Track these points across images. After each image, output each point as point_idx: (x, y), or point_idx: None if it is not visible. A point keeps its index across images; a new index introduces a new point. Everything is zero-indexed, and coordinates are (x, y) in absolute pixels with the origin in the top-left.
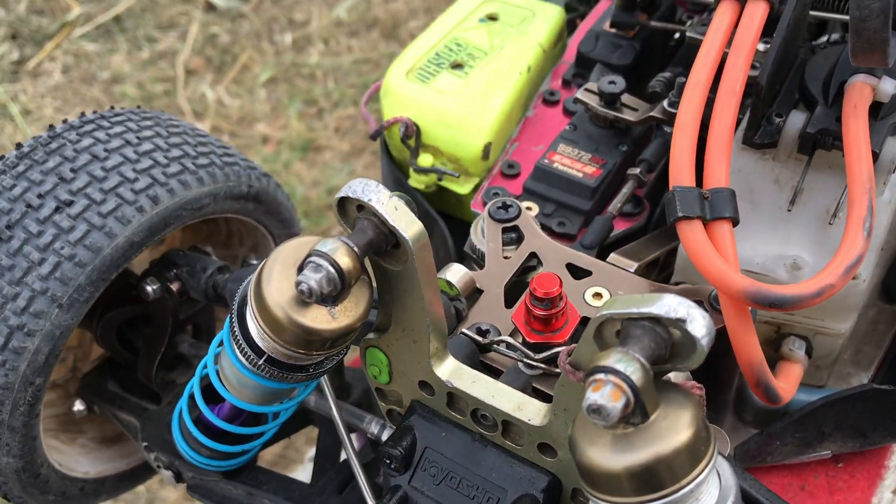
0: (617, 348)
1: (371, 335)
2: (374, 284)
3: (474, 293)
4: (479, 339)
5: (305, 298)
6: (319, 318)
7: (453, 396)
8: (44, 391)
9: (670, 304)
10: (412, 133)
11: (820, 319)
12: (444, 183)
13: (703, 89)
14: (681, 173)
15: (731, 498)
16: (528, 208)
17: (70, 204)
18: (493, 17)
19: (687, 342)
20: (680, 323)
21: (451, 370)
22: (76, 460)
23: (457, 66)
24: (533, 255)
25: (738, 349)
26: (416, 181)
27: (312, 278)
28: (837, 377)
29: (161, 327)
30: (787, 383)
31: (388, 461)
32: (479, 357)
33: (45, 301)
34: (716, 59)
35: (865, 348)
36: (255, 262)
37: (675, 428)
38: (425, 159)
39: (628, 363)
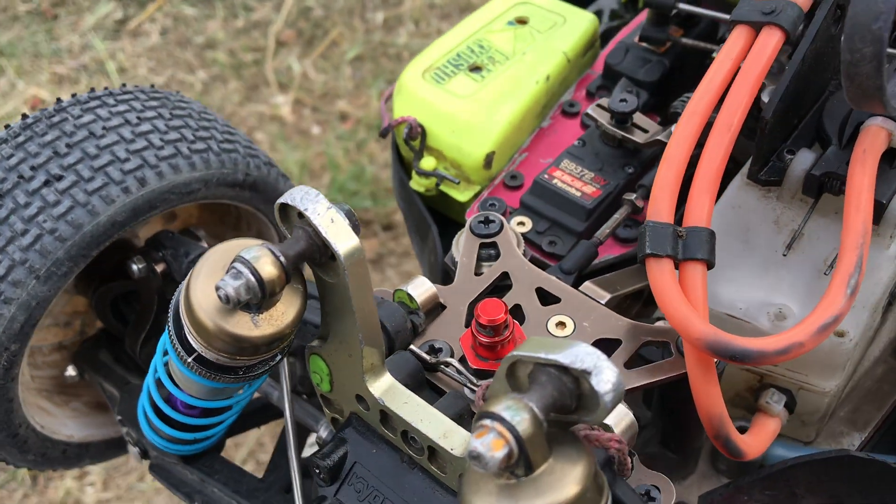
0: (512, 394)
1: (315, 342)
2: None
3: (437, 308)
4: (427, 357)
5: (224, 304)
6: (241, 325)
7: (386, 414)
8: (20, 357)
9: (577, 354)
10: (416, 135)
11: (803, 374)
12: (443, 188)
13: (700, 119)
14: (659, 207)
15: None
16: (521, 223)
17: (59, 179)
18: (522, 21)
19: (593, 395)
20: (585, 374)
21: (385, 388)
22: (63, 423)
23: (475, 69)
24: (505, 274)
25: (698, 399)
26: (417, 184)
27: (231, 285)
28: (829, 435)
29: (147, 305)
30: (758, 438)
31: (317, 471)
32: (423, 375)
33: (24, 271)
34: (719, 89)
35: (865, 408)
36: None
37: (559, 485)
38: (428, 162)
39: (517, 412)
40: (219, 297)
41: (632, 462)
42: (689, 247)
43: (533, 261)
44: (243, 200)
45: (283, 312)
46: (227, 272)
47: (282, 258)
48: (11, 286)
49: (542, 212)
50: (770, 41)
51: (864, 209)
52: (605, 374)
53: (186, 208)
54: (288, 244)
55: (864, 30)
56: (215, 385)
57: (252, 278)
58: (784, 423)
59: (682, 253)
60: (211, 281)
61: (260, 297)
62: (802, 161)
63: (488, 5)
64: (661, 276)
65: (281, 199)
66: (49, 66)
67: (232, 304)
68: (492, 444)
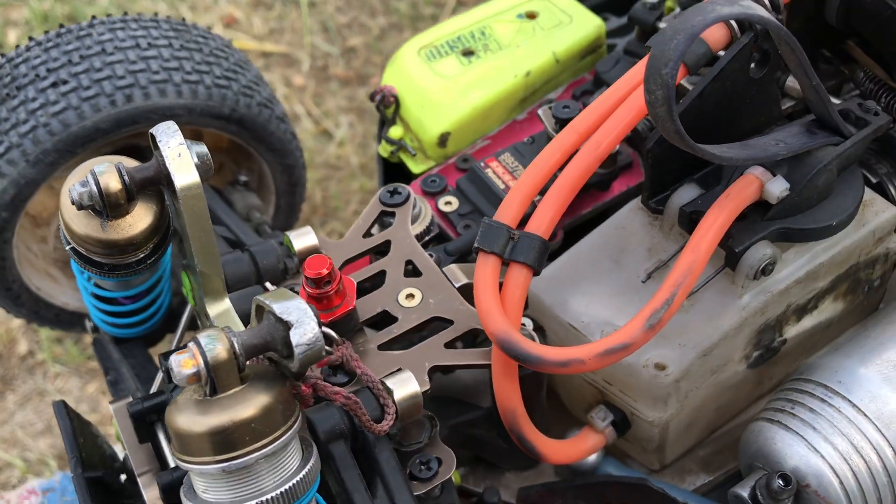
0: (223, 327)
1: (185, 261)
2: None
3: None
4: None
5: (73, 204)
6: (91, 227)
7: None
8: (13, 224)
9: (288, 307)
10: (389, 103)
11: (633, 400)
12: (402, 157)
13: (578, 136)
14: (505, 209)
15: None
16: (449, 203)
17: (65, 83)
18: (532, 16)
19: (292, 346)
20: (288, 325)
21: (219, 311)
22: (64, 292)
23: (468, 53)
24: (388, 242)
25: (496, 391)
26: (383, 149)
27: (77, 190)
28: (677, 470)
29: None
30: (569, 447)
31: (164, 369)
32: None
33: (18, 153)
34: (608, 111)
35: (727, 453)
36: (243, 178)
37: (236, 408)
38: (396, 131)
39: (213, 340)
40: (69, 198)
41: (433, 430)
42: (516, 249)
43: (442, 237)
44: (233, 134)
45: (131, 224)
46: (81, 179)
47: (126, 176)
48: (7, 164)
49: (469, 196)
50: None
51: (700, 252)
52: (303, 329)
53: (215, 133)
54: (140, 167)
55: (655, 74)
56: (94, 276)
57: (94, 188)
58: (609, 441)
59: (508, 254)
60: None
61: (102, 206)
62: (682, 196)
63: None
64: (483, 270)
65: (151, 130)
66: None
67: (77, 206)
68: (182, 362)
